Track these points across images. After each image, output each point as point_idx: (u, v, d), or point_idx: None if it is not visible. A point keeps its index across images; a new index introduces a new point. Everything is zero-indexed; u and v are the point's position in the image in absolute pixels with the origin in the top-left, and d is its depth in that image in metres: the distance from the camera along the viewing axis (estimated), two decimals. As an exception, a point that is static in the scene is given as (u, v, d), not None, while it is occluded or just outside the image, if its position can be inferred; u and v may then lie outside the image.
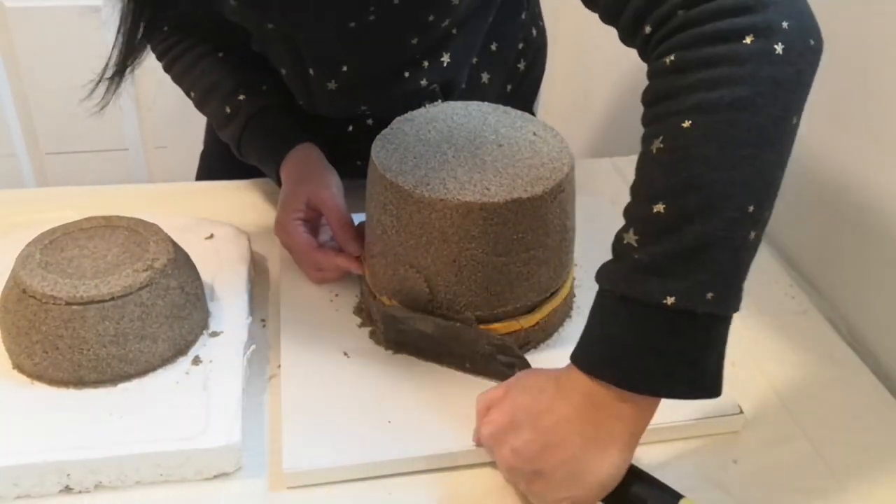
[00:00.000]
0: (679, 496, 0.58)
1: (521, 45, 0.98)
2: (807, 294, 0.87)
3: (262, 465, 0.66)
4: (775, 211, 0.92)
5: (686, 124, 0.52)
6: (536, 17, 1.01)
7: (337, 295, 0.81)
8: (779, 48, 0.52)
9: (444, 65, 0.87)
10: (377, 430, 0.67)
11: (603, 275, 0.57)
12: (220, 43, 0.91)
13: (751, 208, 0.53)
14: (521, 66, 0.99)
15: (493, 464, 0.66)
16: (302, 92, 0.88)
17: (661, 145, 0.53)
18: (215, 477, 0.64)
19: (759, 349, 0.79)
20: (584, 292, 0.82)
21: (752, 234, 0.54)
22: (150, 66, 0.92)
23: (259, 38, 0.87)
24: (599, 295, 0.57)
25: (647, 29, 0.57)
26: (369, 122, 0.93)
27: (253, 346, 0.74)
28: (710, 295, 0.53)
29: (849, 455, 0.69)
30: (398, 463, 0.65)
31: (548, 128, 0.77)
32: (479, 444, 0.63)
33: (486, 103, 0.80)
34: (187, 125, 1.07)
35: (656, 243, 0.53)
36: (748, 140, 0.52)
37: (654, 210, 0.53)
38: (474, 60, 0.92)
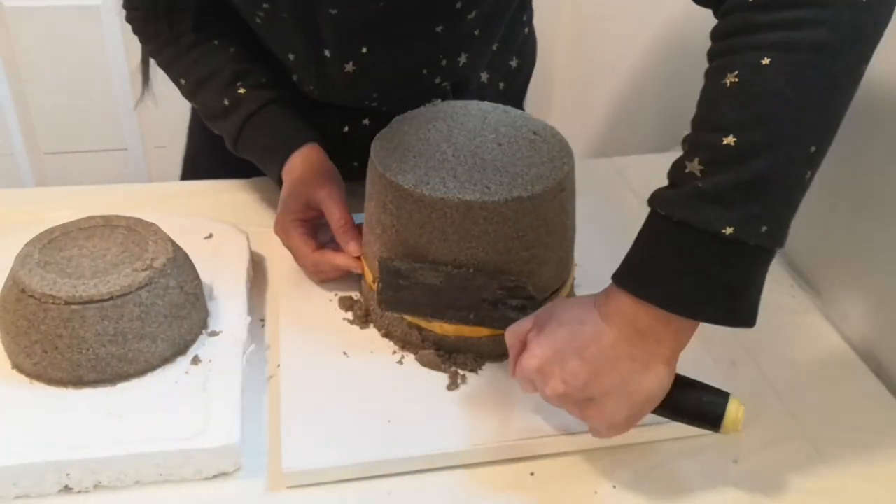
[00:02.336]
0: (726, 394, 0.62)
1: (517, 44, 0.98)
2: (807, 294, 0.87)
3: (261, 464, 0.66)
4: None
5: (765, 61, 0.54)
6: (531, 15, 1.01)
7: (337, 295, 0.81)
8: None
9: (460, 64, 0.87)
10: (377, 430, 0.67)
11: (659, 200, 0.58)
12: (215, 30, 0.89)
13: (812, 149, 0.55)
14: (514, 63, 0.99)
15: (492, 464, 0.66)
16: (313, 76, 0.86)
17: (736, 79, 0.55)
18: (215, 477, 0.64)
19: (759, 349, 0.79)
20: (585, 291, 0.82)
21: (809, 174, 0.56)
22: (150, 66, 0.92)
23: (264, 23, 0.84)
24: (652, 219, 0.58)
25: None
26: (365, 121, 0.93)
27: (252, 346, 0.74)
28: (763, 228, 0.54)
29: (849, 455, 0.69)
30: (398, 463, 0.65)
31: (548, 127, 0.77)
32: (517, 377, 0.63)
33: (485, 102, 0.80)
34: (187, 125, 1.07)
35: (721, 173, 0.54)
36: (822, 84, 0.54)
37: (724, 142, 0.54)
38: None
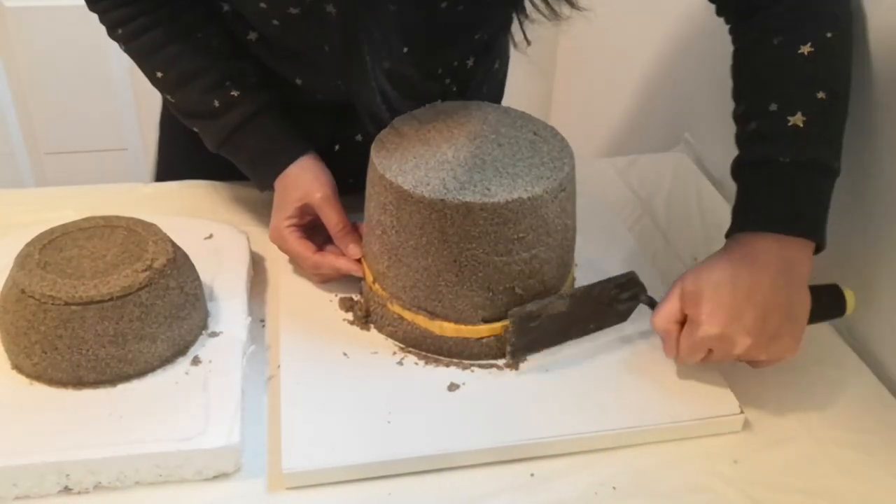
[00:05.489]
0: (835, 285, 0.74)
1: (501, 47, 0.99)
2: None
3: (261, 465, 0.66)
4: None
5: (829, 35, 0.72)
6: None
7: (337, 296, 0.81)
8: None
9: (468, 67, 0.88)
10: (377, 431, 0.67)
11: (768, 150, 0.70)
12: (197, 21, 0.83)
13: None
14: (496, 65, 0.99)
15: (492, 464, 0.66)
16: (335, 75, 0.83)
17: (812, 49, 0.71)
18: (214, 477, 0.64)
19: (759, 349, 0.79)
20: (584, 292, 0.82)
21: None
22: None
23: (290, 20, 0.77)
24: (766, 166, 0.70)
25: None
26: (358, 137, 0.92)
27: (252, 347, 0.74)
28: (838, 161, 0.71)
29: (849, 455, 0.69)
30: (398, 463, 0.65)
31: (548, 127, 0.77)
32: (690, 353, 0.69)
33: (485, 103, 0.80)
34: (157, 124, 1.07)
35: (822, 121, 0.70)
36: (850, 49, 0.75)
37: (818, 97, 0.70)
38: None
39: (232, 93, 0.82)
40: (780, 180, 0.70)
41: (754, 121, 0.72)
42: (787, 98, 0.71)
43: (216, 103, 0.82)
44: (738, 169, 0.74)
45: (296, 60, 0.85)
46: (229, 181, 0.98)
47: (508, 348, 0.73)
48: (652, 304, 0.74)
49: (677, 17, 0.92)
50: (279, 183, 0.83)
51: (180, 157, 1.03)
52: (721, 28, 0.82)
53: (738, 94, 0.77)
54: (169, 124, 1.02)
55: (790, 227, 0.69)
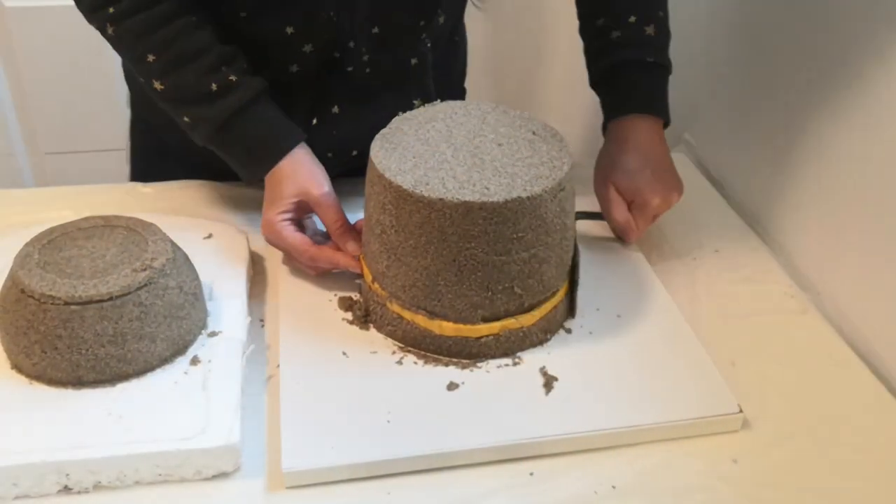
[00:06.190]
0: None
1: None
2: (807, 294, 0.87)
3: (260, 465, 0.66)
4: (776, 210, 0.92)
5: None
6: None
7: (336, 295, 0.81)
8: None
9: (440, 22, 0.90)
10: (376, 430, 0.67)
11: (637, 53, 0.89)
12: (189, 4, 0.80)
13: None
14: (457, 38, 1.01)
15: (492, 464, 0.66)
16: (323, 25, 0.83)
17: None
18: (214, 477, 0.64)
19: (759, 349, 0.79)
20: (584, 291, 0.82)
21: None
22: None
23: None
24: (637, 64, 0.89)
25: None
26: (335, 110, 0.90)
27: (252, 346, 0.74)
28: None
29: (849, 455, 0.69)
30: (397, 463, 0.65)
31: (547, 127, 0.77)
32: (647, 224, 0.89)
33: (485, 102, 0.80)
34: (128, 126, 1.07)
35: (664, 33, 0.91)
36: None
37: (659, 14, 0.90)
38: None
39: (230, 77, 0.80)
40: (649, 75, 0.90)
41: (616, 31, 0.90)
42: (641, 13, 0.89)
43: (213, 87, 0.80)
44: (609, 69, 0.91)
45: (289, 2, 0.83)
46: (221, 181, 0.98)
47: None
48: (591, 215, 0.90)
49: (678, 18, 0.93)
50: (271, 177, 0.81)
51: (151, 165, 1.03)
52: (721, 29, 0.82)
53: (591, 12, 0.93)
54: (140, 133, 1.03)
55: (659, 110, 0.90)
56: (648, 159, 0.88)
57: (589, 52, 0.95)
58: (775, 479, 0.67)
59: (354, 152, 0.92)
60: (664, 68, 0.91)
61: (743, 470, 0.67)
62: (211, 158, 0.85)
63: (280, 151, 0.81)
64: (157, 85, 0.81)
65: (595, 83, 0.94)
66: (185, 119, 0.83)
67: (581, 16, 0.95)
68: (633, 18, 0.89)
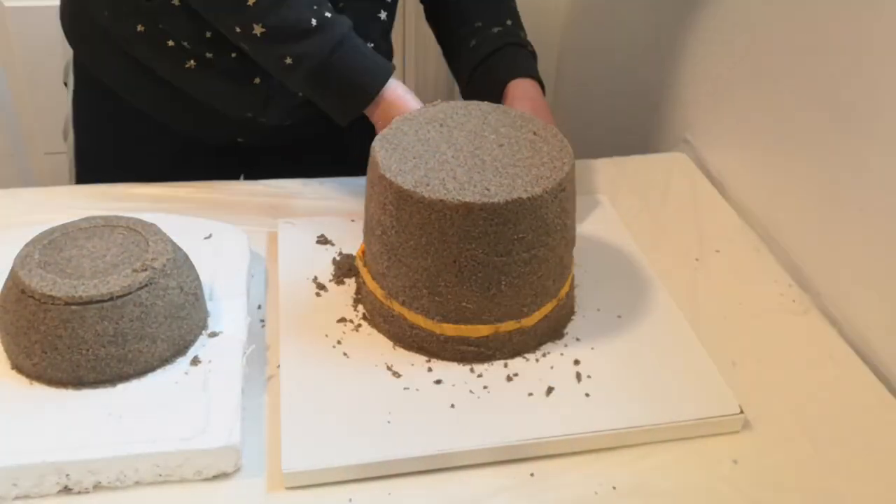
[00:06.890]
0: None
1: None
2: (807, 294, 0.87)
3: (260, 465, 0.66)
4: (776, 210, 0.92)
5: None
6: None
7: (336, 295, 0.81)
8: None
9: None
10: (376, 431, 0.67)
11: (517, 40, 1.01)
12: None
13: None
14: (383, 16, 1.02)
15: (492, 464, 0.66)
16: None
17: None
18: (214, 477, 0.64)
19: (759, 349, 0.79)
20: (584, 291, 0.82)
21: None
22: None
23: None
24: (522, 48, 1.01)
25: None
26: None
27: (252, 347, 0.74)
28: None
29: (849, 455, 0.69)
30: (398, 463, 0.65)
31: (548, 127, 0.77)
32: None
33: (485, 103, 0.80)
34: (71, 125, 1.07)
35: (515, 27, 1.04)
36: None
37: (509, 22, 1.03)
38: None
39: (325, 13, 0.84)
40: (526, 52, 1.01)
41: (496, 27, 1.01)
42: (509, 17, 1.03)
43: (314, 22, 0.84)
44: (493, 53, 0.99)
45: None
46: (221, 180, 0.98)
47: None
48: None
49: (678, 19, 0.93)
50: (379, 108, 0.86)
51: (101, 154, 1.06)
52: (721, 30, 0.82)
53: (464, 19, 1.03)
54: (85, 125, 1.07)
55: (535, 73, 0.99)
56: (537, 110, 0.95)
57: (461, 50, 1.04)
58: (775, 479, 0.67)
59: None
60: (532, 49, 1.04)
61: (742, 470, 0.67)
62: (160, 102, 0.96)
63: (379, 82, 0.86)
64: (258, 29, 0.84)
65: (475, 67, 1.01)
66: (287, 61, 0.85)
67: (454, 22, 1.05)
68: (510, 22, 1.03)
